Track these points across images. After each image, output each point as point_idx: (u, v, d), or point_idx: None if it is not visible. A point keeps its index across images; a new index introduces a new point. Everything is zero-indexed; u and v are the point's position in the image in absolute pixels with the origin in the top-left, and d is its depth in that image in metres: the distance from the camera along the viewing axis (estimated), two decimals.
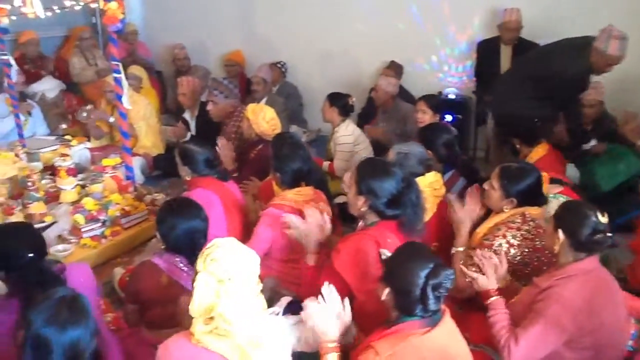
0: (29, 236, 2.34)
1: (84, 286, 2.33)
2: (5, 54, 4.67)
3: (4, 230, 2.36)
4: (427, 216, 2.85)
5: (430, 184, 3.02)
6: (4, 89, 5.20)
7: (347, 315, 2.17)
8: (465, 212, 2.86)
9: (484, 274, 2.44)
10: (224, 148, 4.05)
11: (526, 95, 4.20)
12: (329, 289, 2.17)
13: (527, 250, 2.70)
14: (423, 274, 1.90)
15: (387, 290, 1.98)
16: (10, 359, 1.88)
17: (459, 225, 2.85)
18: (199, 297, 1.83)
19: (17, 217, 3.64)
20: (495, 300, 2.39)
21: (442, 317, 1.96)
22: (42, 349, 1.57)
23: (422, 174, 3.01)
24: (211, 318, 1.82)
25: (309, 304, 2.13)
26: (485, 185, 2.89)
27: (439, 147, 3.49)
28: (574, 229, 2.28)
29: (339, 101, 4.60)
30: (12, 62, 4.74)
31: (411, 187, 2.51)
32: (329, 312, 2.12)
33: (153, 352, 1.96)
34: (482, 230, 2.80)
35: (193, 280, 1.91)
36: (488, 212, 2.94)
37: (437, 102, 4.54)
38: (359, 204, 2.52)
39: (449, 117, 5.23)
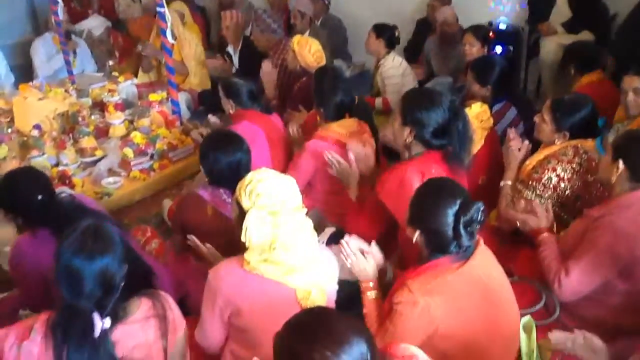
0: (33, 179, 2.37)
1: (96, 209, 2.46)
2: None
3: (9, 180, 2.39)
4: (475, 149, 2.79)
5: (477, 114, 2.93)
6: (50, 28, 5.29)
7: (377, 257, 2.16)
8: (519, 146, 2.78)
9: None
10: (267, 74, 4.02)
11: None
12: (349, 239, 2.15)
13: (578, 184, 2.61)
14: (451, 212, 1.84)
15: (417, 233, 1.93)
16: None
17: (510, 158, 2.77)
18: (256, 233, 1.86)
19: (69, 151, 3.76)
20: (547, 237, 2.34)
21: (475, 249, 1.92)
22: (73, 278, 1.64)
23: (460, 102, 2.93)
24: (273, 249, 1.86)
25: (345, 245, 2.13)
26: (536, 118, 2.79)
27: (492, 78, 3.37)
28: (637, 160, 2.17)
29: (385, 33, 4.48)
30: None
31: (458, 115, 2.43)
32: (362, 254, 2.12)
33: (202, 280, 2.03)
34: (531, 162, 2.72)
35: (237, 217, 1.93)
36: (537, 144, 2.86)
37: (486, 34, 4.34)
38: (404, 135, 2.48)
39: (498, 49, 5.02)
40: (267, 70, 4.06)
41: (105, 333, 1.64)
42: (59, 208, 2.30)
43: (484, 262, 1.93)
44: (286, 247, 1.86)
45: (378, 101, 4.54)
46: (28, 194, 2.29)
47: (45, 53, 5.41)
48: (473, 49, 4.15)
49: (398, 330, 1.84)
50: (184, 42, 5.16)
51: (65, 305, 1.65)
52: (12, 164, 3.52)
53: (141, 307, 1.77)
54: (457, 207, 1.84)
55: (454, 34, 4.88)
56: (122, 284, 1.72)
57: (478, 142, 2.89)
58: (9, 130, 3.99)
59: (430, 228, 1.88)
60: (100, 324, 1.62)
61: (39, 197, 2.29)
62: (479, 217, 1.86)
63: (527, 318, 2.06)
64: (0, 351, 1.67)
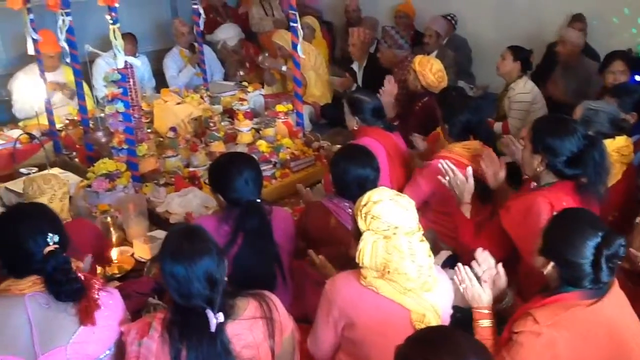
0: (253, 179, 2.46)
1: (284, 231, 2.53)
2: (195, 4, 5.01)
3: (224, 162, 2.53)
4: (610, 183, 2.64)
5: (618, 148, 2.77)
6: (176, 41, 5.69)
7: (502, 280, 2.09)
8: None
9: None
10: (385, 94, 4.04)
11: None
12: (483, 254, 2.10)
13: None
14: (592, 244, 1.77)
15: (551, 265, 1.86)
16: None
17: None
18: (370, 255, 1.88)
19: (199, 154, 4.01)
20: None
21: (609, 289, 1.81)
22: (179, 283, 1.71)
23: (611, 136, 2.77)
24: (387, 272, 1.87)
25: (461, 269, 2.08)
26: None
27: (631, 107, 3.17)
28: None
29: (522, 55, 4.35)
30: (201, 11, 5.07)
31: (595, 145, 2.32)
32: (482, 278, 2.06)
33: (316, 288, 2.08)
34: None
35: (354, 233, 1.96)
36: None
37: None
38: (534, 164, 2.40)
39: (638, 78, 4.70)
40: (389, 86, 4.06)
41: (220, 327, 1.71)
42: (251, 212, 2.39)
43: (617, 304, 1.83)
44: (399, 271, 1.86)
45: (497, 125, 4.41)
46: (243, 192, 2.41)
47: (175, 68, 5.79)
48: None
49: None
50: (303, 53, 5.31)
51: (177, 306, 1.74)
52: (150, 162, 3.81)
53: (249, 307, 1.82)
54: (598, 239, 1.77)
55: (571, 56, 4.66)
56: (225, 277, 1.77)
57: (615, 177, 2.74)
58: (149, 130, 4.33)
59: (567, 260, 1.82)
60: (215, 319, 1.69)
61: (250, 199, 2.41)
62: (621, 251, 1.77)
63: None
64: (124, 344, 1.78)
